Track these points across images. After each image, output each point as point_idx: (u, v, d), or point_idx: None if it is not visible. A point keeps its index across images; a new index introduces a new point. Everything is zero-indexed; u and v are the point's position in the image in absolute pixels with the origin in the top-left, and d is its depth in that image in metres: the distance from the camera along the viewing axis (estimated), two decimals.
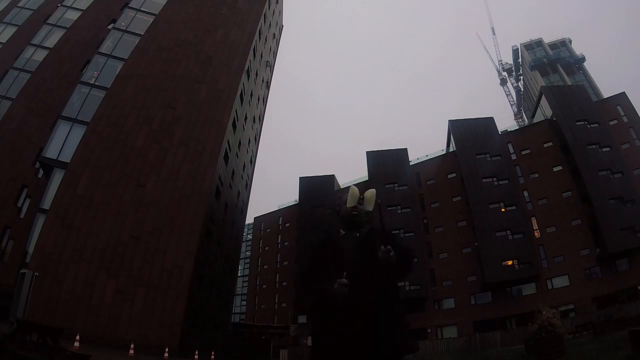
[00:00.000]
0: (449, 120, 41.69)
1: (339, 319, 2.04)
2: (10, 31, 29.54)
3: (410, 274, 2.32)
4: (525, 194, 35.24)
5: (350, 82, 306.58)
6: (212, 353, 19.05)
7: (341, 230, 2.44)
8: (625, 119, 35.17)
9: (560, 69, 75.86)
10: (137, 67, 24.92)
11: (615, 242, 28.77)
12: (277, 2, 41.24)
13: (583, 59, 78.31)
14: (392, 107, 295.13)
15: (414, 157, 45.55)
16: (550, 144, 36.10)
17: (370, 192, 2.29)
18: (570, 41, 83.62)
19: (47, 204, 19.60)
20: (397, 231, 35.15)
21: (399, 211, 38.05)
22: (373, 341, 2.00)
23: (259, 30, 32.05)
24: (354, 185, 2.44)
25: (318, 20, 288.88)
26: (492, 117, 39.47)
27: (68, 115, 22.35)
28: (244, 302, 64.06)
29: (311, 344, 2.31)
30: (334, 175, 47.27)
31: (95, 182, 20.14)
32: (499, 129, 39.32)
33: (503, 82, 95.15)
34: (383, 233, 2.24)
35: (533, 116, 46.17)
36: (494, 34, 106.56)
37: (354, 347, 1.98)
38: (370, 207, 2.34)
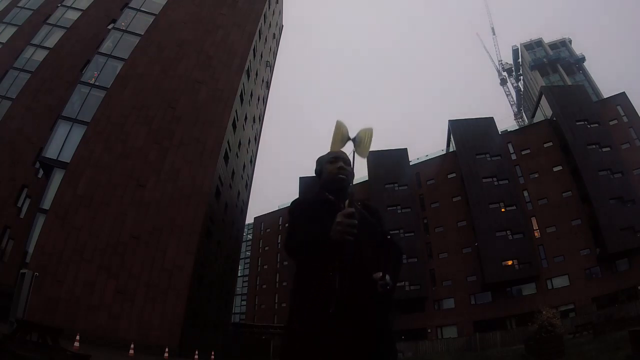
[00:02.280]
0: (449, 120, 41.69)
1: (322, 325, 1.63)
2: (10, 31, 29.53)
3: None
4: (525, 194, 35.23)
5: (350, 82, 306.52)
6: (212, 353, 19.03)
7: (327, 194, 1.97)
8: (625, 119, 35.16)
9: (560, 69, 75.81)
10: (137, 67, 24.92)
11: (615, 242, 28.76)
12: (277, 2, 41.22)
13: (583, 59, 78.27)
14: (392, 107, 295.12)
15: (414, 157, 45.60)
16: (550, 144, 36.09)
17: (365, 131, 1.72)
18: (570, 41, 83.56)
19: (47, 204, 19.60)
20: (397, 231, 35.14)
21: (399, 211, 38.04)
22: (364, 346, 1.65)
23: (259, 30, 32.03)
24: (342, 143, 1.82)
25: (318, 20, 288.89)
26: (492, 117, 39.48)
27: (68, 115, 22.36)
28: (244, 302, 64.09)
29: (285, 342, 1.79)
30: None
31: (95, 182, 20.13)
32: (499, 129, 39.32)
33: (503, 82, 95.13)
34: (375, 212, 1.83)
35: (533, 116, 46.16)
36: (494, 34, 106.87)
37: (341, 353, 1.62)
38: (364, 153, 1.77)
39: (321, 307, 1.64)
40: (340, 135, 1.76)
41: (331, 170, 1.94)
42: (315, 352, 1.67)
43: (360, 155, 1.79)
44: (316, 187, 2.02)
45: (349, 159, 1.97)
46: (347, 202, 1.64)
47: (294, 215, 1.90)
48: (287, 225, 1.88)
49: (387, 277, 1.66)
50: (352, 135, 1.80)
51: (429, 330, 33.29)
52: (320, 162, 2.05)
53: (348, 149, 1.88)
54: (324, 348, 1.66)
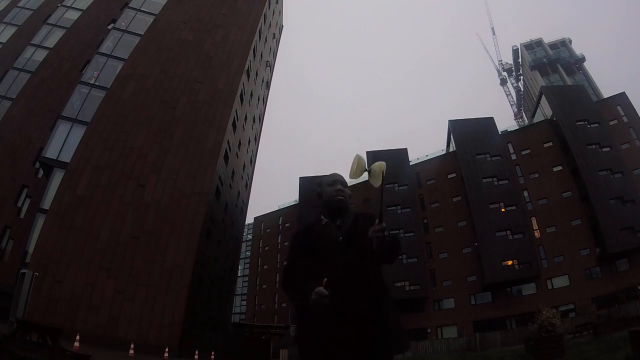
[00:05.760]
0: (449, 120, 41.70)
1: (327, 323, 1.83)
2: (10, 31, 29.55)
3: (396, 259, 2.04)
4: (525, 194, 35.23)
5: (350, 82, 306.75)
6: (212, 353, 19.02)
7: (323, 218, 2.13)
8: (625, 119, 35.19)
9: (560, 69, 75.83)
10: (137, 67, 24.91)
11: (615, 242, 28.76)
12: (277, 2, 41.22)
13: (583, 59, 78.31)
14: (392, 107, 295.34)
15: (414, 157, 45.55)
16: (550, 144, 36.10)
17: (379, 165, 1.89)
18: (570, 41, 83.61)
19: (47, 204, 19.60)
20: (397, 231, 35.13)
21: (399, 211, 38.04)
22: (365, 344, 1.82)
23: (259, 30, 32.03)
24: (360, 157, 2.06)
25: (318, 21, 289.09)
26: (492, 117, 39.52)
27: (68, 115, 22.36)
28: (244, 302, 64.08)
29: (299, 351, 2.01)
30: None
31: (95, 182, 20.13)
32: (499, 129, 39.33)
33: (503, 82, 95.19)
34: (370, 218, 1.97)
35: (533, 116, 46.15)
36: (494, 34, 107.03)
37: (345, 352, 1.80)
38: (377, 183, 1.96)
39: (308, 314, 1.84)
40: (359, 167, 2.00)
41: (330, 192, 2.12)
42: (316, 352, 1.88)
43: (374, 184, 2.02)
44: (314, 196, 2.24)
45: (345, 182, 2.17)
46: (325, 281, 1.80)
47: (290, 253, 2.13)
48: (287, 256, 2.10)
49: (384, 224, 1.79)
50: (367, 167, 2.05)
51: (429, 330, 33.27)
52: (320, 184, 2.22)
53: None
54: (323, 348, 1.84)
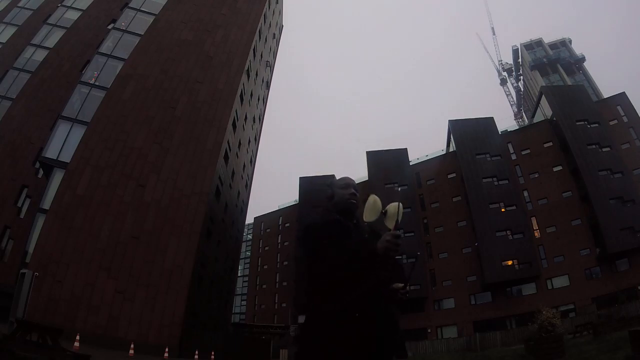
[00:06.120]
0: (449, 120, 41.69)
1: (329, 323, 1.86)
2: (10, 31, 29.55)
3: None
4: (525, 194, 35.23)
5: (350, 82, 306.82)
6: (212, 353, 19.02)
7: (338, 217, 2.19)
8: (625, 119, 35.18)
9: (560, 69, 75.79)
10: (137, 67, 24.91)
11: (615, 242, 28.75)
12: (277, 2, 41.22)
13: (583, 59, 78.27)
14: (392, 107, 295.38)
15: (414, 157, 45.56)
16: (550, 144, 36.10)
17: (394, 207, 1.91)
18: (570, 41, 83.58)
19: (47, 204, 19.61)
20: (397, 231, 35.05)
21: None
22: (367, 345, 1.86)
23: (259, 30, 32.03)
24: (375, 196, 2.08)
25: (318, 21, 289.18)
26: (492, 117, 39.49)
27: (68, 115, 22.36)
28: (244, 302, 64.09)
29: (298, 350, 1.99)
30: (334, 175, 47.24)
31: (95, 182, 20.14)
32: (499, 129, 39.32)
33: (503, 82, 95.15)
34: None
35: (533, 116, 46.15)
36: (494, 34, 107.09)
37: (346, 352, 1.82)
38: (391, 224, 1.95)
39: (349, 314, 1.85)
40: (375, 208, 2.02)
41: (344, 195, 2.20)
42: (317, 352, 1.88)
43: (388, 225, 2.00)
44: (319, 199, 2.26)
45: (357, 186, 2.25)
46: (395, 223, 1.83)
47: (317, 237, 2.02)
48: (308, 248, 2.00)
49: (408, 287, 1.94)
50: (383, 209, 2.06)
51: (429, 330, 33.27)
52: (332, 186, 2.28)
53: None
54: (324, 348, 1.85)
